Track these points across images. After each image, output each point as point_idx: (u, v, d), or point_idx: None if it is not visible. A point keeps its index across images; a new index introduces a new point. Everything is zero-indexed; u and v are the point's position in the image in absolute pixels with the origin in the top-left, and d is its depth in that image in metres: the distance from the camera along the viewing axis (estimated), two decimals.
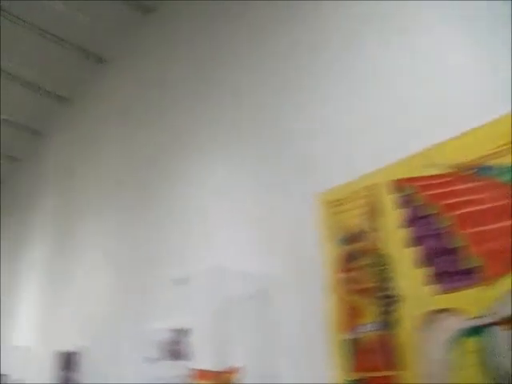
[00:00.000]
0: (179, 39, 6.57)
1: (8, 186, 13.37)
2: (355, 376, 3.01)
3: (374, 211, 3.09)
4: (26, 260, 9.91)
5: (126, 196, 6.62)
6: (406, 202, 2.97)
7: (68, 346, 6.78)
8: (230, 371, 3.42)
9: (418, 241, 2.87)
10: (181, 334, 4.44)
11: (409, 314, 2.80)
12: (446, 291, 2.68)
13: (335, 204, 3.33)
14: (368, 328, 2.99)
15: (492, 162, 2.61)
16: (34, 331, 8.48)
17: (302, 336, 3.46)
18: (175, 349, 4.49)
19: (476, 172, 2.68)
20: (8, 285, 10.48)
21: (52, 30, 8.22)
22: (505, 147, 2.56)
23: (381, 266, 2.98)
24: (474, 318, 2.50)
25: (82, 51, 8.71)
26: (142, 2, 7.55)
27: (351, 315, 3.10)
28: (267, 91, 4.56)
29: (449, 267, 2.70)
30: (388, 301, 2.91)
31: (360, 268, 3.09)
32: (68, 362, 6.68)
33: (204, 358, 3.80)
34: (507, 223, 2.47)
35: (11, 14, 7.95)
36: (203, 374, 3.53)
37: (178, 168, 5.57)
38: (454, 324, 2.58)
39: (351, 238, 3.18)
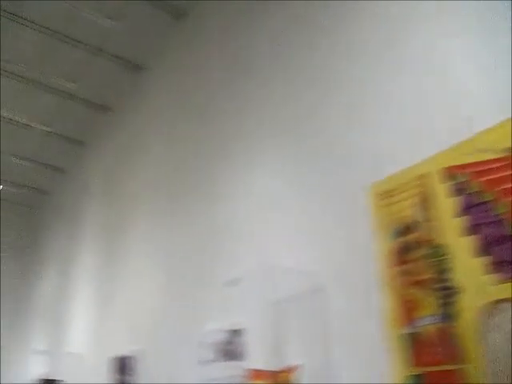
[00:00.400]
0: (213, 40, 6.59)
1: (56, 196, 13.67)
2: (415, 371, 2.92)
3: (426, 201, 3.00)
4: (77, 269, 10.09)
5: (173, 201, 6.66)
6: (460, 189, 2.88)
7: (122, 351, 6.85)
8: (287, 370, 3.39)
9: (474, 229, 2.78)
10: (234, 334, 4.42)
11: (469, 304, 2.71)
12: (506, 280, 2.58)
13: (386, 195, 3.25)
14: (427, 321, 2.90)
15: None
16: (88, 338, 8.62)
17: (359, 332, 3.38)
18: (229, 349, 4.46)
19: None
20: (61, 294, 10.70)
21: (90, 41, 8.39)
22: None
23: (437, 257, 2.89)
24: None
25: (120, 60, 8.85)
26: (173, 6, 7.60)
27: (408, 308, 3.01)
28: (312, 88, 4.49)
29: (508, 255, 2.60)
30: (446, 292, 2.82)
31: (415, 260, 3.00)
32: (123, 366, 6.76)
33: (259, 358, 3.78)
34: None
35: (51, 29, 8.15)
36: (259, 373, 3.51)
37: (224, 170, 5.56)
38: None
39: (404, 229, 3.09)
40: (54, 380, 8.75)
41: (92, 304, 8.84)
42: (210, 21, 6.80)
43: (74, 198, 11.59)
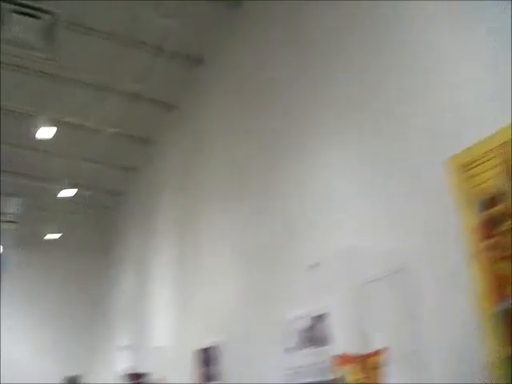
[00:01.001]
0: (275, 26, 6.50)
1: (129, 196, 14.06)
2: (511, 350, 2.78)
3: (511, 170, 2.84)
4: (155, 266, 10.32)
5: (247, 189, 6.62)
6: None
7: (205, 343, 6.95)
8: (375, 353, 3.32)
9: None
10: (318, 319, 4.38)
11: None
12: None
13: (468, 167, 3.09)
14: None
15: None
16: (171, 331, 8.80)
17: (447, 311, 3.25)
18: (313, 335, 4.44)
19: None
20: (141, 292, 10.99)
21: (150, 42, 8.52)
22: None
23: None
24: None
25: (181, 57, 8.97)
26: None
27: (499, 285, 2.86)
28: (385, 57, 4.35)
29: None
30: None
31: (504, 233, 2.85)
32: (206, 357, 6.86)
33: (344, 343, 3.73)
34: None
35: (113, 35, 8.39)
36: (346, 358, 3.46)
37: (299, 154, 5.44)
38: None
39: (490, 201, 2.94)
40: (141, 373, 9.01)
41: (172, 298, 9.02)
42: (270, 6, 6.68)
43: (146, 197, 11.86)
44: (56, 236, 14.71)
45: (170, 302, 9.05)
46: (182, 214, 9.25)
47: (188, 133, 9.52)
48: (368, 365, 3.31)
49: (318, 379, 4.27)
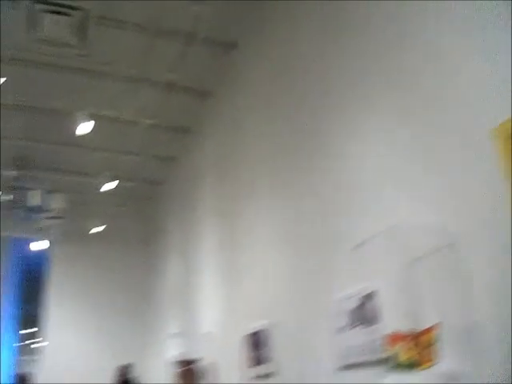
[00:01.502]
0: (308, 5, 6.41)
1: (169, 185, 14.20)
2: None
3: None
4: (200, 253, 10.40)
5: (289, 171, 6.54)
6: None
7: (254, 327, 7.00)
8: (427, 330, 3.28)
9: None
10: (368, 298, 4.36)
11: None
12: None
13: None
14: None
15: None
16: (219, 317, 8.88)
17: (500, 285, 3.17)
18: (364, 314, 4.42)
19: None
20: (187, 279, 11.11)
21: (182, 30, 8.53)
22: None
23: None
24: None
25: (214, 42, 8.97)
26: None
27: None
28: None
29: None
30: None
31: None
32: (256, 341, 6.91)
33: (396, 320, 3.70)
34: None
35: (145, 26, 8.43)
36: (398, 336, 3.43)
37: (342, 130, 5.30)
38: None
39: None
40: (192, 359, 9.15)
41: (218, 284, 9.09)
42: None
43: (187, 185, 11.93)
44: (100, 229, 14.99)
45: (217, 287, 9.13)
46: (223, 201, 9.29)
47: (226, 119, 9.52)
48: (421, 342, 3.27)
49: (370, 358, 4.26)
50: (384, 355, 3.67)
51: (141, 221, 15.98)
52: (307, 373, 5.66)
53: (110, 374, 10.56)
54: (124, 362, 11.28)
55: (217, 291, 9.14)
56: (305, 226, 6.00)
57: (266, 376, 6.65)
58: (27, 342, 26.89)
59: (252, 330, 7.05)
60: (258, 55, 8.05)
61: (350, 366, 4.68)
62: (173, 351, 11.00)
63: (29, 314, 19.93)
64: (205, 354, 9.04)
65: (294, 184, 6.42)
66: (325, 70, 5.82)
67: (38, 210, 14.39)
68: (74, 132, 10.20)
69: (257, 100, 8.01)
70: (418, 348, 3.31)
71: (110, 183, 12.65)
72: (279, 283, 6.61)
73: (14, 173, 12.72)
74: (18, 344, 23.76)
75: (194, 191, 11.27)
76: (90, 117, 9.97)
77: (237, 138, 8.76)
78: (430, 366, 3.17)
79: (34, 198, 13.84)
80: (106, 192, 12.94)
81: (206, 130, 10.79)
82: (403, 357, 3.37)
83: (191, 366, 9.08)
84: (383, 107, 4.67)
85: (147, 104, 10.04)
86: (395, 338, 3.45)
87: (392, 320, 3.86)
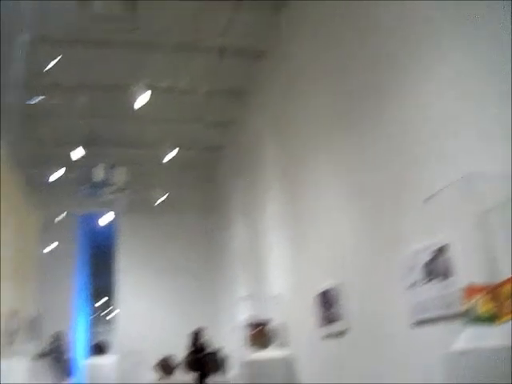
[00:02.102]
0: None
1: (230, 150, 14.26)
2: None
3: None
4: (265, 215, 10.42)
5: (353, 124, 6.29)
6: None
7: (324, 285, 7.00)
8: (506, 282, 3.19)
9: None
10: (440, 252, 4.27)
11: None
12: None
13: None
14: None
15: None
16: (288, 278, 8.94)
17: None
18: (437, 268, 4.33)
19: None
20: (254, 242, 11.18)
21: None
22: None
23: None
24: None
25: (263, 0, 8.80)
26: None
27: None
28: None
29: None
30: None
31: None
32: (326, 300, 6.93)
33: (471, 273, 3.62)
34: None
35: None
36: (475, 289, 3.35)
37: (409, 79, 5.11)
38: None
39: None
40: (263, 321, 9.29)
41: (286, 245, 9.09)
42: None
43: (248, 148, 11.88)
44: (163, 198, 15.26)
45: (285, 248, 9.14)
46: (286, 160, 9.19)
47: (282, 79, 9.36)
48: (499, 294, 3.18)
49: (446, 313, 4.20)
50: (460, 309, 3.60)
51: (203, 187, 16.17)
52: (380, 330, 5.64)
53: (183, 339, 10.90)
54: (196, 326, 11.60)
55: (284, 253, 9.15)
56: (372, 180, 5.82)
57: (338, 334, 6.69)
58: (101, 312, 28.16)
59: (322, 290, 7.06)
60: (310, 10, 7.84)
61: (424, 322, 4.61)
62: (243, 314, 11.20)
63: (101, 285, 20.80)
64: (275, 316, 9.17)
65: (359, 136, 6.19)
66: (387, 16, 5.55)
67: (103, 184, 14.85)
68: (133, 105, 10.34)
69: (313, 55, 7.76)
70: (497, 300, 3.22)
71: (171, 153, 12.82)
72: (348, 240, 6.51)
73: (78, 150, 13.10)
74: (92, 315, 24.91)
75: (255, 154, 11.22)
76: (147, 88, 10.07)
77: (295, 96, 8.61)
78: (510, 319, 3.09)
79: (99, 174, 14.27)
80: (166, 162, 13.13)
81: (262, 92, 10.68)
82: (481, 310, 3.29)
83: (262, 328, 9.23)
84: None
85: (201, 71, 10.04)
86: (472, 290, 3.36)
87: (467, 273, 3.77)
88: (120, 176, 14.56)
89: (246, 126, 12.14)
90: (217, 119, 12.83)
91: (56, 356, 10.90)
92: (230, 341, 12.46)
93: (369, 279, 5.89)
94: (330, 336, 6.94)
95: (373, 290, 5.79)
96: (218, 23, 9.06)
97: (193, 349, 11.27)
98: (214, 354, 12.36)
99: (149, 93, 10.09)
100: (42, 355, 10.44)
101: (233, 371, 11.94)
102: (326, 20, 7.28)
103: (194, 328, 11.46)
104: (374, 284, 5.77)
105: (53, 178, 13.18)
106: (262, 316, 9.56)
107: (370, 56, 5.93)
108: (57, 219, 15.10)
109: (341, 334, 6.60)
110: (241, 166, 12.73)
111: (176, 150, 12.74)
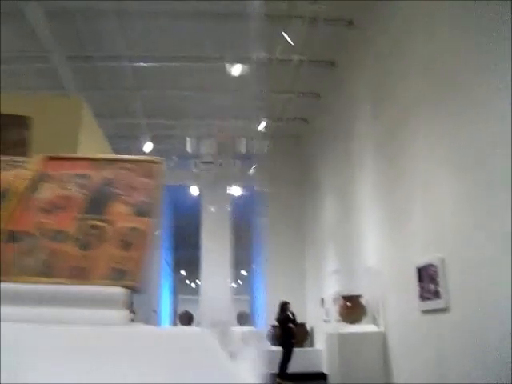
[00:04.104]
0: None
1: (317, 122, 14.14)
2: None
3: None
4: (358, 188, 10.18)
5: (459, 91, 5.94)
6: None
7: (423, 260, 6.76)
8: None
9: None
10: None
11: None
12: None
13: None
14: None
15: None
16: (383, 250, 8.68)
17: None
18: None
19: None
20: (346, 213, 10.94)
21: None
22: None
23: None
24: None
25: None
26: None
27: None
28: None
29: None
30: None
31: None
32: (426, 275, 6.68)
33: None
34: None
35: None
36: None
37: None
38: None
39: None
40: (354, 295, 9.18)
41: (380, 217, 8.82)
42: None
43: (339, 120, 11.61)
44: (251, 171, 15.29)
45: (379, 220, 8.89)
46: (381, 130, 8.85)
47: (374, 47, 9.07)
48: None
49: None
50: None
51: (292, 160, 16.07)
52: (483, 310, 5.34)
53: (274, 309, 11.05)
54: (285, 298, 11.72)
55: (379, 224, 8.84)
56: (479, 148, 5.48)
57: (436, 311, 6.46)
58: (187, 282, 29.06)
59: (421, 264, 6.83)
60: None
61: None
62: (334, 287, 11.13)
63: (187, 256, 21.31)
64: (368, 290, 9.02)
65: (464, 103, 5.81)
66: None
67: (191, 156, 15.07)
68: (224, 77, 10.34)
69: (411, 22, 7.44)
70: None
71: (260, 124, 12.78)
72: (449, 212, 6.16)
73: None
74: (178, 285, 25.70)
75: (346, 125, 10.98)
76: (239, 60, 10.03)
77: (391, 66, 8.28)
78: None
79: (188, 146, 14.48)
80: (255, 133, 13.12)
81: (354, 62, 10.34)
82: None
83: (354, 301, 9.13)
84: None
85: (293, 40, 9.84)
86: None
87: None
88: (208, 148, 14.68)
89: (336, 98, 11.87)
90: (308, 90, 12.64)
91: None
92: (318, 314, 12.50)
93: (474, 255, 5.50)
94: (427, 312, 6.72)
95: (478, 267, 5.44)
96: None
97: (280, 319, 11.43)
98: (301, 326, 12.48)
99: (240, 66, 10.06)
100: None
101: (319, 344, 11.99)
102: None
103: (282, 299, 11.61)
104: (479, 260, 5.39)
105: (146, 149, 13.48)
106: (354, 290, 9.45)
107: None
108: None
109: (439, 311, 6.36)
110: (332, 137, 12.43)
111: (265, 122, 12.69)
